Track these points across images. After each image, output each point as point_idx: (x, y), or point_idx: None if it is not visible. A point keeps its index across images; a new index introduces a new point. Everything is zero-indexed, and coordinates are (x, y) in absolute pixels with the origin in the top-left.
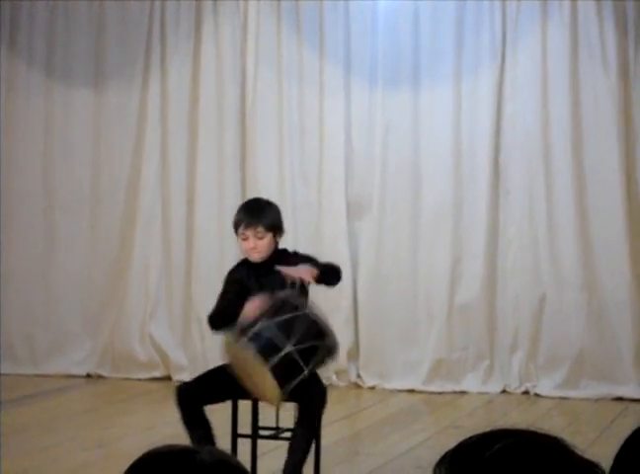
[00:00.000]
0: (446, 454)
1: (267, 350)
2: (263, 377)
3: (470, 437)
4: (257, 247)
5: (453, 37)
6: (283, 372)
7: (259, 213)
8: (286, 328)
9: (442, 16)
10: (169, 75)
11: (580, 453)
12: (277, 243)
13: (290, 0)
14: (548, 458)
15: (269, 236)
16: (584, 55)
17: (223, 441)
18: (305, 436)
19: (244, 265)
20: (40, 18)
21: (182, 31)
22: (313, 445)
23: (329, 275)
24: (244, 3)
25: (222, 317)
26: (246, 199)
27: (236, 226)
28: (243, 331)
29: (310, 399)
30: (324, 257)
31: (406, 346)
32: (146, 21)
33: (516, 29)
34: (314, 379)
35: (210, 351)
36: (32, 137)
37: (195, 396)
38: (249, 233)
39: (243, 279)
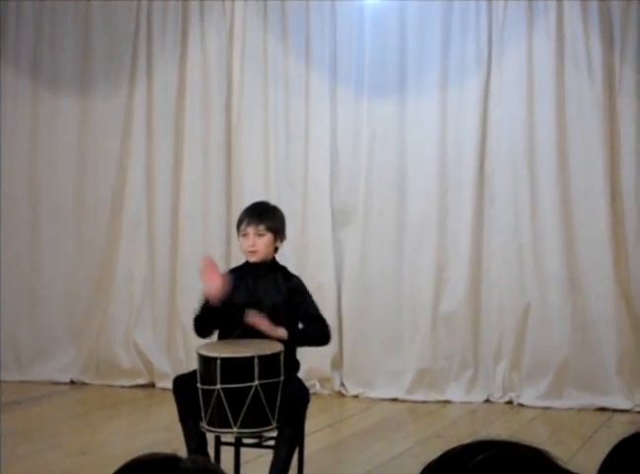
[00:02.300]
0: (429, 465)
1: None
2: None
3: (453, 449)
4: (255, 245)
5: (439, 46)
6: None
7: (263, 213)
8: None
9: (429, 25)
10: (155, 82)
11: (563, 465)
12: (276, 248)
13: (277, 8)
14: (531, 470)
15: (269, 236)
16: (569, 65)
17: (207, 446)
18: (291, 434)
19: (239, 270)
20: (27, 24)
21: (168, 37)
22: (297, 454)
23: (304, 342)
24: (230, 10)
25: (196, 323)
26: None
27: (239, 224)
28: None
29: (292, 398)
30: (309, 264)
31: (390, 354)
32: (133, 27)
33: (502, 38)
34: (295, 380)
35: (194, 358)
36: (18, 143)
37: (190, 386)
38: (250, 230)
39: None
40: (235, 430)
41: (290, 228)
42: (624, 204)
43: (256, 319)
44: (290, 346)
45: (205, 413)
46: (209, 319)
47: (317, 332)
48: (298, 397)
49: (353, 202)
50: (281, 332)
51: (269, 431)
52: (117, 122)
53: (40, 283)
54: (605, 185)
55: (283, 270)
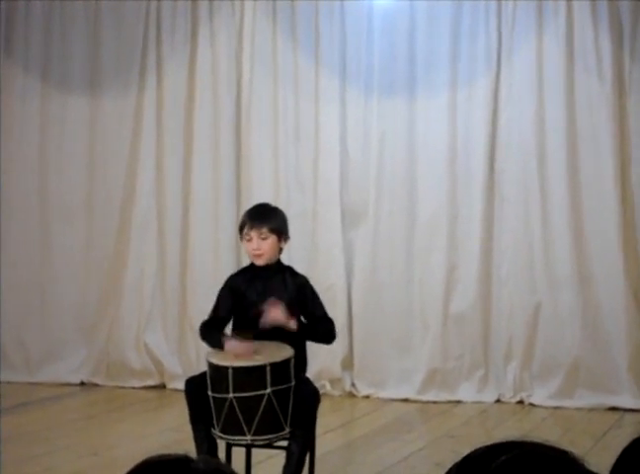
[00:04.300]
0: (453, 468)
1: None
2: None
3: (476, 450)
4: (260, 248)
5: (449, 46)
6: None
7: (264, 216)
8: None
9: (438, 25)
10: (165, 82)
11: (587, 466)
12: (281, 249)
13: (286, 7)
14: (555, 470)
15: (273, 238)
16: (579, 65)
17: (218, 450)
18: (303, 436)
19: (247, 271)
20: (36, 24)
21: (178, 37)
22: (308, 454)
23: (310, 338)
24: (240, 10)
25: (206, 341)
26: (253, 205)
27: (241, 228)
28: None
29: (303, 400)
30: (319, 265)
31: (400, 354)
32: (142, 27)
33: (511, 38)
34: (304, 381)
35: (204, 359)
36: (27, 143)
37: (202, 390)
38: (253, 234)
39: (240, 288)
40: (249, 437)
41: (300, 229)
42: (635, 203)
43: (275, 310)
44: (298, 341)
45: (218, 420)
46: (218, 335)
47: (324, 330)
48: (309, 399)
49: (362, 203)
50: (293, 324)
51: (282, 436)
52: (126, 123)
53: (51, 284)
54: (616, 183)
55: (290, 269)
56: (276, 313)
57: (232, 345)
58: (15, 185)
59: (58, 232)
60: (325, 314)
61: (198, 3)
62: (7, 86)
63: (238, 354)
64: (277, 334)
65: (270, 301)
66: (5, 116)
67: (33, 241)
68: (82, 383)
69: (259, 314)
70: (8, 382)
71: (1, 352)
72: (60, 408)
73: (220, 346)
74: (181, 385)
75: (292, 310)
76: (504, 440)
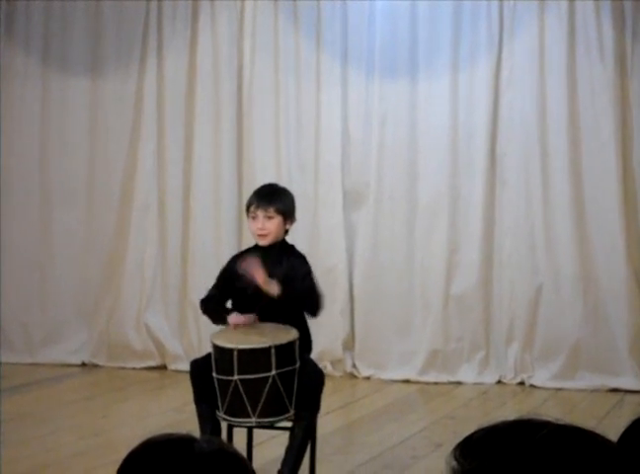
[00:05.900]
0: (470, 439)
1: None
2: None
3: (502, 422)
4: (265, 228)
5: (451, 28)
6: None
7: (272, 195)
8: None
9: (440, 6)
10: (166, 64)
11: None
12: (286, 230)
13: None
14: (601, 447)
15: (278, 219)
16: (581, 48)
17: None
18: (307, 418)
19: (249, 252)
20: (37, 6)
21: (179, 20)
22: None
23: (298, 301)
24: None
25: (207, 315)
26: (261, 184)
27: (248, 206)
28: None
29: (308, 382)
30: (321, 247)
31: (402, 336)
32: (143, 10)
33: (513, 20)
34: (309, 363)
35: (206, 339)
36: (28, 126)
37: (207, 371)
38: (259, 213)
39: (237, 269)
40: (254, 419)
41: (302, 211)
42: (636, 186)
43: (252, 268)
44: (302, 323)
45: (222, 402)
46: (220, 310)
47: (305, 295)
48: (314, 382)
49: (364, 185)
50: (274, 288)
51: (287, 418)
52: (127, 106)
53: (52, 266)
54: (617, 166)
55: (291, 249)
56: (255, 271)
57: (234, 317)
58: (16, 167)
59: (59, 214)
60: (313, 286)
61: None
62: (8, 68)
63: (242, 323)
64: (276, 314)
65: (245, 260)
66: (6, 98)
67: (34, 223)
68: (83, 364)
69: (253, 294)
70: (9, 363)
71: (2, 333)
72: (61, 389)
73: (223, 319)
74: (182, 366)
75: (282, 285)
76: (525, 418)
